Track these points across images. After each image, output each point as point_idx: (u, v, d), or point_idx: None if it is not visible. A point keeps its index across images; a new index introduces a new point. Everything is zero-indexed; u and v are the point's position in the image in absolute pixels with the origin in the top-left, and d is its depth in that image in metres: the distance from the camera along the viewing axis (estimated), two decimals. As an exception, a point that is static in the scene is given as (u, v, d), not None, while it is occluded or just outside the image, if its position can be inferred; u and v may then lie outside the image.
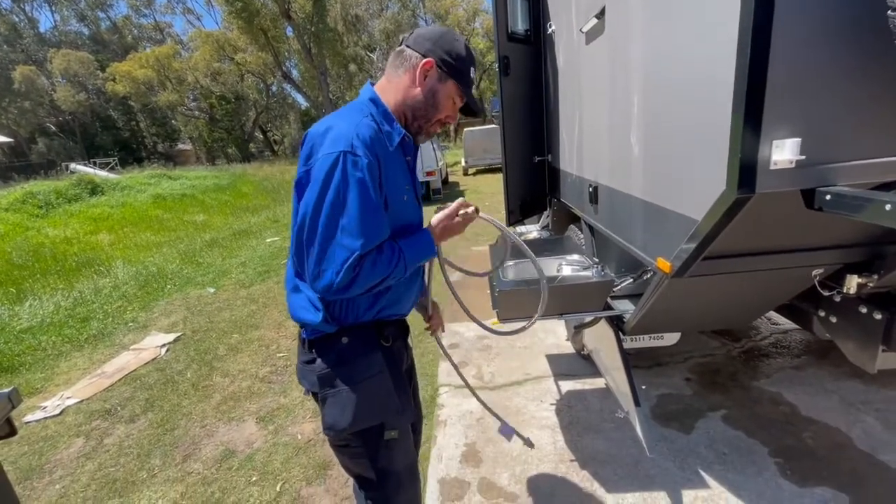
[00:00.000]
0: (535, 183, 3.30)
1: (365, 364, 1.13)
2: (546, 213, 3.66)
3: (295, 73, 31.13)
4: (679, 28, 1.23)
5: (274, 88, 37.51)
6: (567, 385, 2.78)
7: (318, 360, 1.14)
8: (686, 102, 1.22)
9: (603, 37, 1.86)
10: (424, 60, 1.07)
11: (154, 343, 4.14)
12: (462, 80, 1.11)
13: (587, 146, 2.25)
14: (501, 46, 2.82)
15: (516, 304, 1.78)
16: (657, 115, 1.41)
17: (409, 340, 1.37)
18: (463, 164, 16.39)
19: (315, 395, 1.18)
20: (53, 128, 34.86)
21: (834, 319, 1.64)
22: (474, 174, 16.32)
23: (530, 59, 3.07)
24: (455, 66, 1.08)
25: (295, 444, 2.54)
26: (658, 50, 1.37)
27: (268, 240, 8.41)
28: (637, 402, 1.76)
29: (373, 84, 1.16)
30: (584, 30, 2.06)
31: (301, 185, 1.03)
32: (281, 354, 3.72)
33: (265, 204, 12.82)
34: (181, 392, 3.26)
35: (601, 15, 1.83)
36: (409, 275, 1.12)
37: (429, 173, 11.08)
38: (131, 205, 11.15)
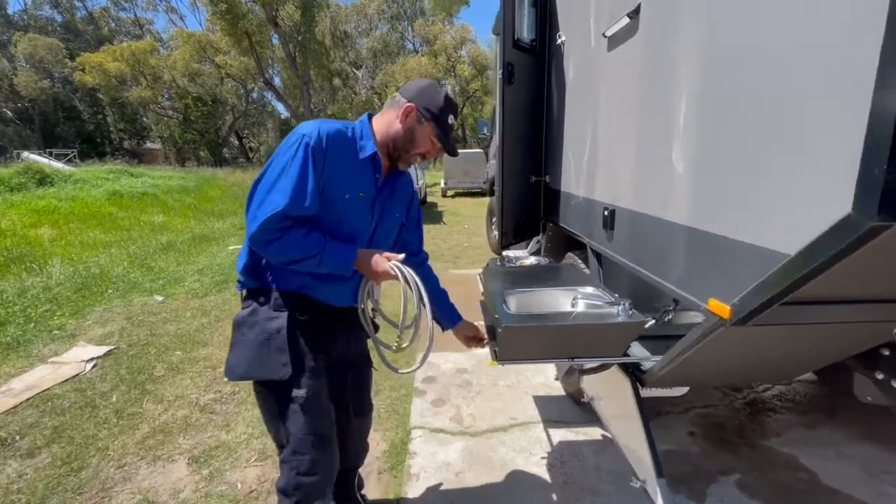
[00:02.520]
0: (529, 205, 3.03)
1: (267, 321, 1.27)
2: (536, 238, 3.40)
3: (277, 81, 30.65)
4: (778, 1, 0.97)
5: (254, 95, 36.85)
6: (559, 434, 2.44)
7: (243, 306, 1.33)
8: (782, 100, 0.94)
9: (636, 38, 1.61)
10: (407, 104, 1.31)
11: (79, 356, 3.56)
12: (438, 124, 1.32)
13: (602, 165, 1.99)
14: (507, 52, 2.57)
15: (524, 343, 1.45)
16: (721, 122, 1.14)
17: (358, 340, 1.53)
18: (442, 185, 16.21)
19: None
20: (10, 114, 32.82)
21: None
22: (453, 196, 16.17)
23: (533, 71, 2.84)
24: (432, 112, 1.30)
25: (233, 497, 2.08)
26: (732, 38, 1.11)
27: (230, 247, 7.82)
28: (660, 473, 1.45)
29: (370, 117, 1.38)
30: (609, 33, 1.82)
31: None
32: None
33: (232, 210, 12.16)
34: (100, 420, 2.71)
35: (635, 13, 1.59)
36: (323, 271, 1.25)
37: None
38: (83, 199, 10.30)
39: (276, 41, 23.79)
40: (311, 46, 22.02)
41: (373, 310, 1.49)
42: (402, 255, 1.31)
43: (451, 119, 1.33)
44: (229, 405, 2.88)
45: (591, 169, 2.13)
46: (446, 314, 1.65)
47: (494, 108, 6.16)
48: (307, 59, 22.43)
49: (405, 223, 1.55)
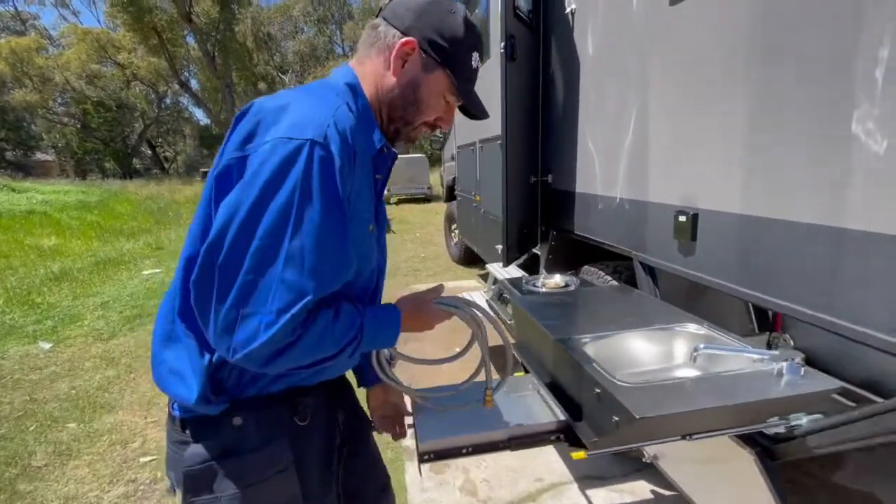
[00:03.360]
0: (531, 210, 2.53)
1: (263, 459, 0.77)
2: (532, 249, 2.91)
3: (195, 84, 28.04)
4: None
5: (168, 100, 33.57)
6: (602, 497, 1.94)
7: (193, 447, 0.75)
8: None
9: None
10: (403, 40, 0.77)
11: (-86, 448, 2.51)
12: (457, 70, 0.80)
13: (668, 156, 1.52)
14: (508, 22, 2.06)
15: (648, 432, 0.92)
16: None
17: (344, 405, 0.97)
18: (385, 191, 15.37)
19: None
20: None
21: None
22: (397, 203, 15.51)
23: (531, 50, 2.36)
24: (447, 49, 0.78)
25: None
26: None
27: (145, 272, 6.60)
28: None
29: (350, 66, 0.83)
30: (680, -21, 1.36)
31: (225, 180, 0.68)
32: (148, 459, 2.38)
33: (146, 227, 10.59)
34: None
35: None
36: (355, 359, 0.80)
37: None
38: (-58, 222, 8.38)
39: (191, 41, 21.65)
40: (231, 46, 20.24)
41: (390, 356, 0.99)
42: (440, 286, 0.92)
43: (474, 59, 0.82)
44: (149, 503, 2.07)
45: (641, 163, 1.66)
46: (364, 366, 1.09)
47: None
48: (228, 60, 20.58)
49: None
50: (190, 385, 0.72)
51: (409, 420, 1.22)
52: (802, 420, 1.09)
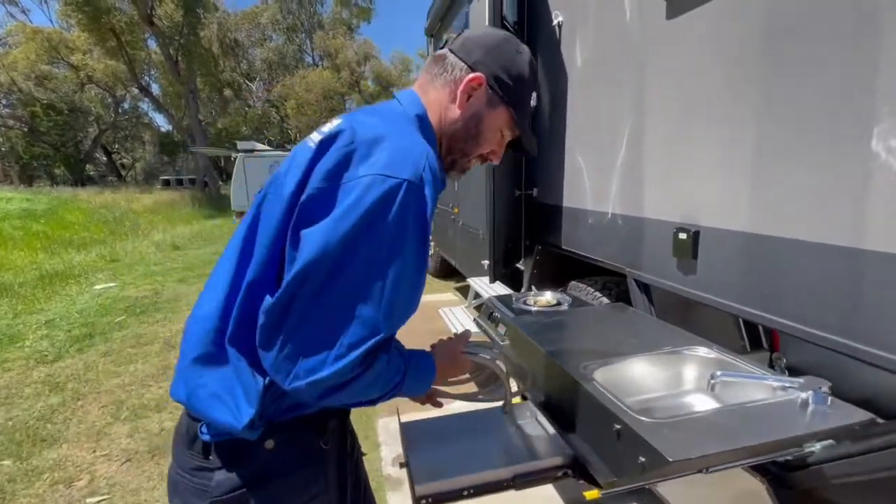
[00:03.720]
0: (516, 225, 2.47)
1: (300, 483, 0.77)
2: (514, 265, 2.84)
3: (156, 89, 26.91)
4: None
5: (126, 104, 32.09)
6: (595, 524, 1.86)
7: (221, 474, 0.73)
8: None
9: (748, -12, 1.13)
10: (472, 75, 0.80)
11: None
12: (518, 107, 0.84)
13: (666, 171, 1.49)
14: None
15: (683, 469, 0.84)
16: None
17: (350, 428, 0.96)
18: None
19: None
20: None
21: None
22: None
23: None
24: (512, 87, 0.81)
25: None
26: None
27: (97, 286, 6.15)
28: None
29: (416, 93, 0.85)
30: (677, -8, 1.34)
31: (311, 208, 0.67)
32: (97, 500, 2.13)
33: (100, 238, 9.95)
34: None
35: (748, -48, 1.11)
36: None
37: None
38: None
39: (153, 44, 20.79)
40: (196, 51, 19.55)
41: None
42: (467, 332, 0.98)
43: (533, 97, 0.89)
44: (96, 553, 1.84)
45: (636, 179, 1.62)
46: None
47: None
48: (192, 66, 19.84)
49: None
50: (239, 409, 0.70)
51: (401, 458, 1.11)
52: (815, 447, 1.04)
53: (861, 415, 0.85)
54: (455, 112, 0.81)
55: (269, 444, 0.75)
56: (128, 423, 2.79)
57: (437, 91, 0.82)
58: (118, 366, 3.64)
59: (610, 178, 1.77)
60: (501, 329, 2.08)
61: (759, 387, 0.98)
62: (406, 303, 0.70)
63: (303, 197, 0.68)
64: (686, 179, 1.39)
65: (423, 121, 0.81)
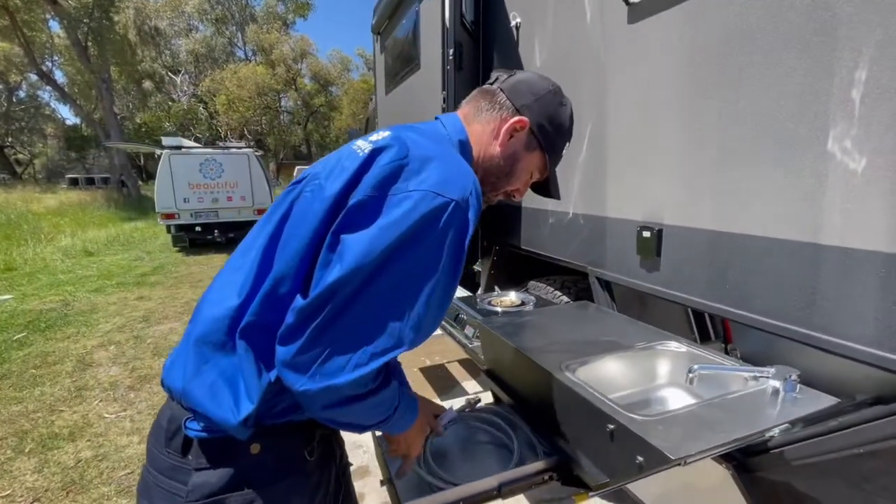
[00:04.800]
0: (473, 225, 2.45)
1: (282, 493, 0.75)
2: (471, 266, 2.83)
3: (60, 77, 24.04)
4: None
5: (21, 93, 28.42)
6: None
7: (200, 475, 0.71)
8: None
9: (709, -5, 1.18)
10: (518, 118, 0.85)
11: None
12: (552, 154, 0.91)
13: (630, 171, 1.52)
14: (456, 30, 1.97)
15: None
16: None
17: (339, 440, 0.93)
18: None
19: None
20: None
21: None
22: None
23: (473, 60, 2.31)
24: (552, 136, 0.89)
25: None
26: None
27: (-11, 300, 5.33)
28: None
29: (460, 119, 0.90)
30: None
31: (357, 215, 0.67)
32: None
33: (-10, 243, 8.66)
34: None
35: (708, -39, 1.16)
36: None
37: (260, 211, 9.04)
38: None
39: (56, 27, 18.55)
40: (109, 37, 17.69)
41: None
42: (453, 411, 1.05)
43: (567, 147, 0.95)
44: None
45: (598, 179, 1.65)
46: None
47: (371, 116, 5.49)
48: (105, 53, 17.93)
49: None
50: (238, 403, 0.69)
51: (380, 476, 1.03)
52: (774, 431, 1.10)
53: (829, 400, 0.91)
54: (496, 148, 0.86)
55: (255, 447, 0.73)
56: (34, 456, 2.41)
57: (482, 125, 0.87)
58: (19, 390, 3.16)
59: (571, 178, 1.80)
60: (469, 330, 2.05)
61: (733, 378, 1.02)
62: (433, 320, 0.71)
63: (351, 202, 0.68)
64: (649, 179, 1.43)
65: (464, 146, 0.86)
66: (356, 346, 0.64)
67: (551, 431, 1.07)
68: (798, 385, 0.93)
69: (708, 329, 1.73)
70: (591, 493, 0.97)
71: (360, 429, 0.75)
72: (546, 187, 0.98)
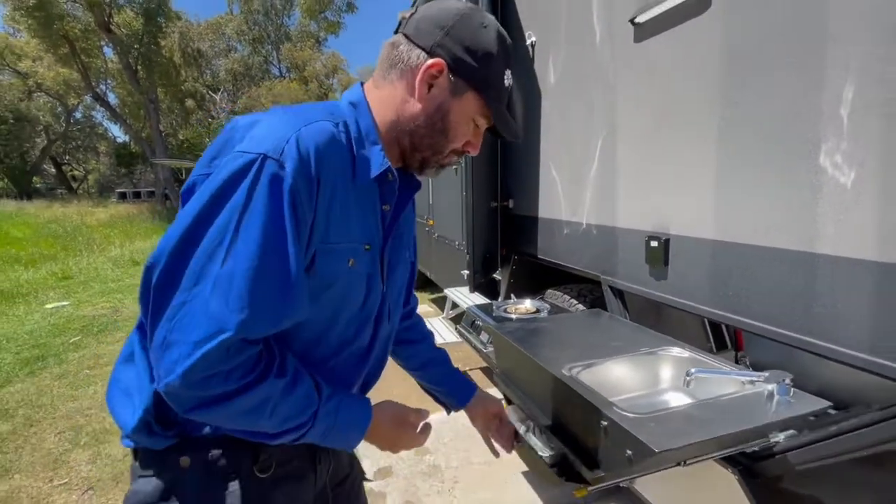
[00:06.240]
0: (492, 235, 2.54)
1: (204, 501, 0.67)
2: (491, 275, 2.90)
3: (112, 98, 25.80)
4: None
5: (78, 114, 30.60)
6: (576, 527, 1.91)
7: (137, 482, 0.68)
8: None
9: (706, 17, 1.24)
10: (430, 62, 0.69)
11: None
12: (490, 90, 0.72)
13: (634, 185, 1.58)
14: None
15: (656, 463, 0.89)
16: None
17: (329, 451, 0.81)
18: None
19: None
20: None
21: None
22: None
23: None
24: (479, 69, 0.70)
25: None
26: None
27: (49, 305, 5.79)
28: None
29: (363, 85, 0.76)
30: (643, 19, 1.44)
31: (185, 199, 0.63)
32: (54, 532, 2.00)
33: (51, 253, 9.39)
34: None
35: (706, -15, 1.22)
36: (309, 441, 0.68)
37: None
38: None
39: (109, 53, 20.01)
40: (157, 60, 18.94)
41: None
42: (425, 411, 0.84)
43: (507, 77, 0.74)
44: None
45: (609, 190, 1.71)
46: (452, 385, 1.05)
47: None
48: (153, 75, 19.19)
49: (413, 261, 0.97)
50: (134, 410, 0.65)
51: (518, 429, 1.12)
52: (780, 437, 1.13)
53: (820, 403, 0.94)
54: (415, 106, 0.71)
55: (185, 461, 0.67)
56: (89, 448, 2.63)
57: (393, 85, 0.72)
58: (75, 389, 3.43)
59: (584, 190, 1.86)
60: (484, 336, 2.13)
61: (730, 381, 1.06)
62: (268, 294, 0.58)
63: (185, 186, 0.65)
64: (656, 191, 1.48)
65: (357, 105, 0.72)
66: (181, 336, 0.56)
67: (556, 430, 1.13)
68: (791, 389, 0.97)
69: (724, 338, 1.74)
70: (589, 488, 1.02)
71: (268, 437, 0.65)
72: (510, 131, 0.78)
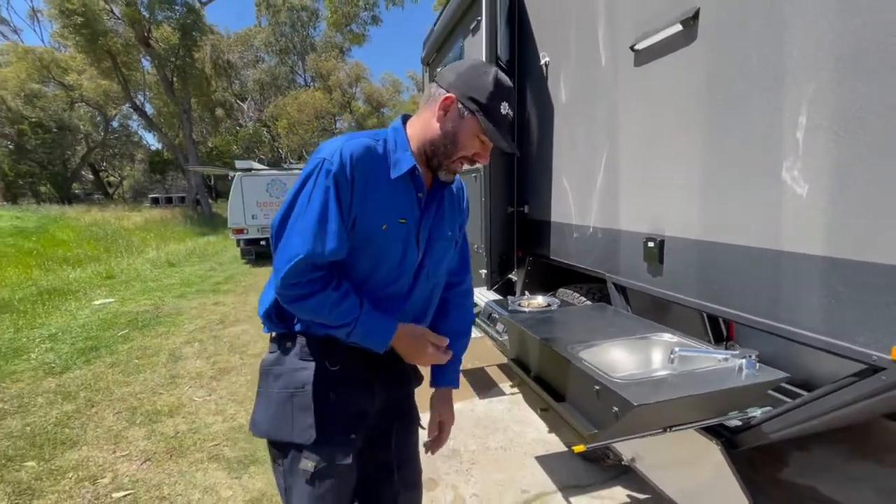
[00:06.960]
0: (508, 238, 2.74)
1: (293, 372, 1.06)
2: (507, 275, 3.10)
3: (149, 109, 27.09)
4: None
5: (115, 123, 32.14)
6: (583, 503, 2.08)
7: (267, 353, 1.11)
8: None
9: (693, 47, 1.44)
10: (445, 96, 1.03)
11: None
12: (488, 116, 1.02)
13: (633, 192, 1.77)
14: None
15: (642, 421, 1.09)
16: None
17: (388, 385, 1.16)
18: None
19: None
20: None
21: None
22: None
23: (509, 94, 2.62)
24: (477, 101, 1.01)
25: None
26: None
27: (96, 302, 6.25)
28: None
29: (405, 117, 1.13)
30: (641, 46, 1.64)
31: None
32: (122, 494, 2.28)
33: (94, 255, 10.01)
34: None
35: (693, 20, 1.42)
36: (352, 342, 1.03)
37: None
38: None
39: (147, 65, 21.09)
40: (191, 72, 19.89)
41: None
42: (446, 340, 1.14)
43: (503, 107, 1.03)
44: (128, 539, 1.99)
45: (612, 197, 1.90)
46: (444, 370, 1.27)
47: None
48: (187, 86, 20.16)
49: (458, 241, 1.26)
50: (264, 307, 1.07)
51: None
52: (757, 412, 1.30)
53: (778, 374, 1.12)
54: (435, 125, 1.04)
55: (289, 344, 1.06)
56: (143, 426, 2.94)
57: (425, 113, 1.06)
58: (127, 375, 3.78)
59: (591, 196, 2.05)
60: (500, 327, 2.33)
61: (709, 359, 1.24)
62: (321, 235, 0.94)
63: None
64: (652, 197, 1.68)
65: (396, 129, 1.08)
66: (280, 258, 0.96)
67: (559, 398, 1.33)
68: (757, 363, 1.15)
69: (721, 330, 1.91)
70: (588, 446, 1.22)
71: (335, 328, 0.99)
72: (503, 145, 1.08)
